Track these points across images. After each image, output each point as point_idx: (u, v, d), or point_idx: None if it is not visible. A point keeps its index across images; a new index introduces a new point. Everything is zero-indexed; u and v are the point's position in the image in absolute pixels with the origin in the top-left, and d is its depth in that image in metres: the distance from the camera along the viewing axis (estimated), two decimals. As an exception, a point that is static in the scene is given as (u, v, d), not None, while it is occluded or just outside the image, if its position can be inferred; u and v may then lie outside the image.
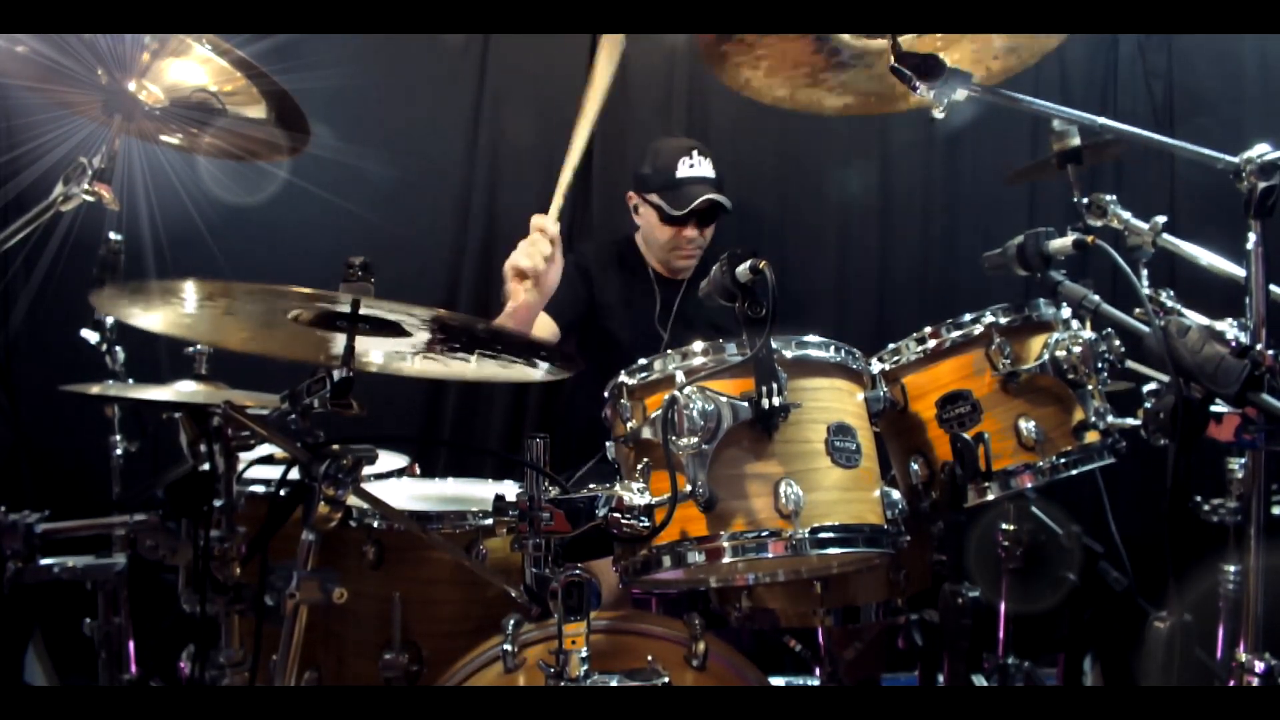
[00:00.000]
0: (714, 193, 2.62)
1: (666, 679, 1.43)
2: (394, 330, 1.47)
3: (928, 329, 1.76)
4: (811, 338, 1.56)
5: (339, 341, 1.43)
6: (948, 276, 3.16)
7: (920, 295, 3.17)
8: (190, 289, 1.31)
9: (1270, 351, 1.28)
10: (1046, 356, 1.68)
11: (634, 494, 1.47)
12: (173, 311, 1.50)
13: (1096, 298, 1.53)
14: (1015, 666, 2.35)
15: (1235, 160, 1.35)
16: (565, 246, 3.07)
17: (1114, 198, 2.08)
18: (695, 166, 2.65)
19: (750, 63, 1.79)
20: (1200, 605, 1.75)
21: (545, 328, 2.60)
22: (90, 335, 2.07)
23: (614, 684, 1.40)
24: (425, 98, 3.12)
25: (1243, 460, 1.77)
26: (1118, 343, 1.73)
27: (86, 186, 1.67)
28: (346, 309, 1.34)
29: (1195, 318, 1.70)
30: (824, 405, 1.53)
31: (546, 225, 2.14)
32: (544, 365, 1.70)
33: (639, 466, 1.52)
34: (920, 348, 1.76)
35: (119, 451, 2.18)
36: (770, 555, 1.45)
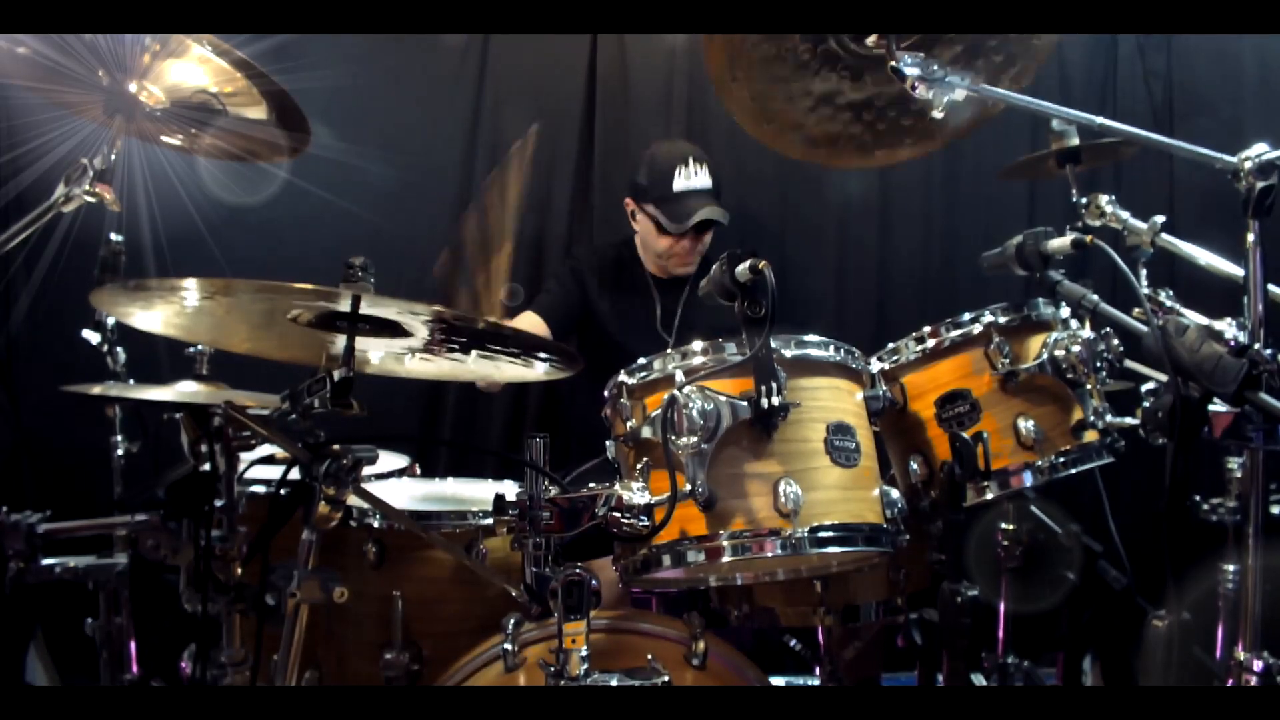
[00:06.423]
0: (711, 204, 2.58)
1: (666, 678, 1.43)
2: (394, 330, 1.48)
3: (927, 328, 1.76)
4: (811, 337, 1.56)
5: (339, 343, 1.43)
6: (948, 276, 3.16)
7: (920, 295, 3.17)
8: (192, 286, 1.31)
9: (1268, 351, 1.28)
10: (1045, 356, 1.68)
11: (634, 493, 1.47)
12: (173, 311, 1.51)
13: (1095, 297, 1.53)
14: (1015, 666, 2.35)
15: (1234, 160, 1.35)
16: (564, 251, 3.09)
17: (1112, 197, 2.07)
18: (692, 177, 2.58)
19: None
20: (1199, 604, 1.76)
21: (536, 329, 2.59)
22: (91, 336, 2.07)
23: (614, 683, 1.40)
24: (425, 98, 3.12)
25: (1242, 460, 1.77)
26: (1116, 342, 1.73)
27: (87, 187, 1.67)
28: (346, 306, 1.34)
29: (1194, 317, 1.71)
30: (823, 404, 1.53)
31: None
32: (542, 365, 1.71)
33: (639, 466, 1.53)
34: (919, 347, 1.76)
35: (120, 452, 2.18)
36: (769, 554, 1.46)
